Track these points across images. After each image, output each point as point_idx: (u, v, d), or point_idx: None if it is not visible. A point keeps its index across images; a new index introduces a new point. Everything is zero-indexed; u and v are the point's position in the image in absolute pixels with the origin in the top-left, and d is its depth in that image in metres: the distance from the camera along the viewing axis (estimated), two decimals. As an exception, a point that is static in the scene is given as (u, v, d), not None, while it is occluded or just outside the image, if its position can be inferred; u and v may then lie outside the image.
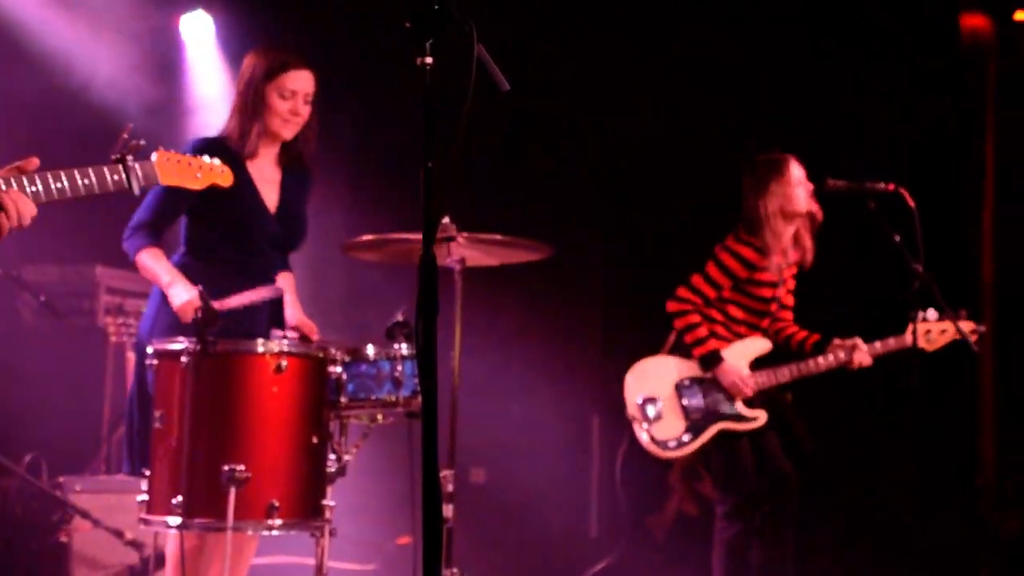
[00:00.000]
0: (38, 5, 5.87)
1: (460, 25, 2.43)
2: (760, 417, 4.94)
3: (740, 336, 5.02)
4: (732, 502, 4.91)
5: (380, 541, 5.99)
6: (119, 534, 4.73)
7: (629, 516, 6.09)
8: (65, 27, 5.97)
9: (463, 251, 4.31)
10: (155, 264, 3.93)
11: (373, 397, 3.91)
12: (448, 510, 4.09)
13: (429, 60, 2.43)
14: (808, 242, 5.06)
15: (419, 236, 2.38)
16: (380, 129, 6.73)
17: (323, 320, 4.31)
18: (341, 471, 3.93)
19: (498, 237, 4.27)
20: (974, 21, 6.50)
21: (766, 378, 4.96)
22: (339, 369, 3.88)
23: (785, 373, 4.98)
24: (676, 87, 6.65)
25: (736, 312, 5.03)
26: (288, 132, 4.10)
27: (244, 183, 4.04)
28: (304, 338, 4.10)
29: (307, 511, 3.75)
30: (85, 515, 4.75)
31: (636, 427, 4.94)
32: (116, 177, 2.93)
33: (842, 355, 4.97)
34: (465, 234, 4.21)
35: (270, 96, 4.04)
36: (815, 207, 5.01)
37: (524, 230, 4.42)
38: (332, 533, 3.81)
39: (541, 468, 6.63)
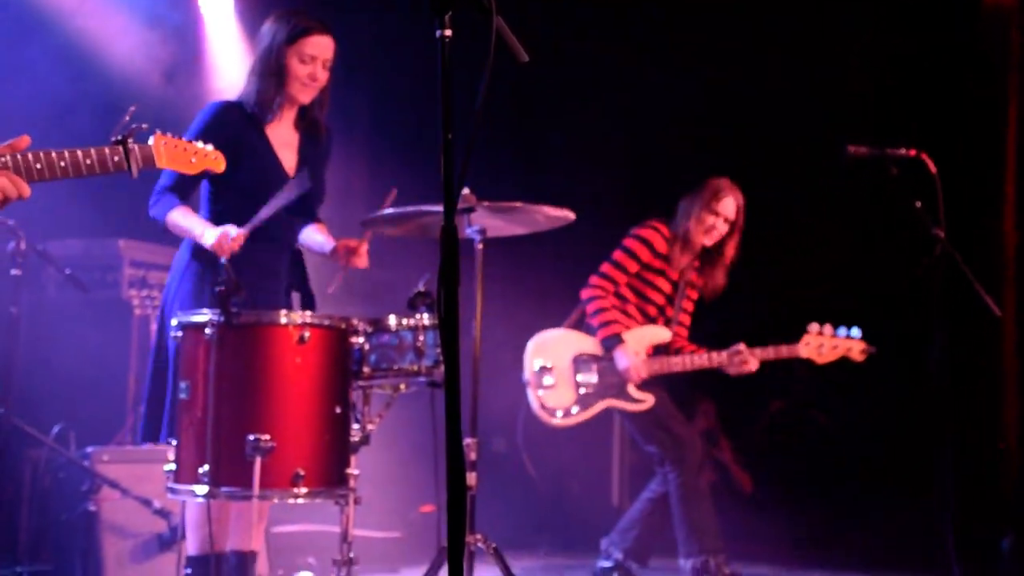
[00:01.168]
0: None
1: (479, -4, 2.43)
2: (647, 400, 5.18)
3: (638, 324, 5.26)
4: (670, 457, 5.15)
5: (404, 509, 6.04)
6: (147, 503, 4.79)
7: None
8: (82, 3, 5.98)
9: (484, 221, 4.32)
10: (186, 219, 3.98)
11: (396, 367, 3.94)
12: (471, 478, 4.13)
13: (448, 32, 2.43)
14: (718, 275, 5.31)
15: (439, 209, 2.40)
16: (400, 102, 6.73)
17: (346, 292, 4.34)
18: (365, 440, 3.97)
19: (518, 204, 4.28)
20: (996, -11, 6.44)
21: (659, 365, 5.18)
22: (361, 339, 3.92)
23: (677, 363, 5.19)
24: (704, 53, 6.63)
25: (633, 299, 5.27)
26: (306, 96, 4.14)
27: (262, 146, 4.10)
28: (349, 252, 4.15)
29: (332, 480, 3.79)
30: (113, 485, 4.81)
31: (530, 392, 5.23)
32: (116, 159, 3.06)
33: (725, 356, 5.14)
34: (485, 203, 4.22)
35: (290, 61, 4.08)
36: (727, 246, 5.27)
37: (547, 198, 4.42)
38: (357, 501, 3.86)
39: (563, 437, 6.66)
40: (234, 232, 3.82)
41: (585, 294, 5.26)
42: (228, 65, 6.55)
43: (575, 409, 5.18)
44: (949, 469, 5.16)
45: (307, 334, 3.76)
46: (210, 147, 3.56)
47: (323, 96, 4.20)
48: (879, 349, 5.26)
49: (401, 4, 6.32)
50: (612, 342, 5.15)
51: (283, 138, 4.18)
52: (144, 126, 3.11)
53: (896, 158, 4.94)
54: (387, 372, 3.95)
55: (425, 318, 3.95)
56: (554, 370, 5.20)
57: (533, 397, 5.22)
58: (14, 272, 4.96)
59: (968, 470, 6.01)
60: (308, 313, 3.85)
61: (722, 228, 5.22)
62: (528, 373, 5.24)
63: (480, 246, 4.31)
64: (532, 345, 5.27)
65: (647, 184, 6.96)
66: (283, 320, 3.77)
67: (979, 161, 6.31)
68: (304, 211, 4.27)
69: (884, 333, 5.48)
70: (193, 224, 3.97)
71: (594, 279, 5.25)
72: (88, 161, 2.99)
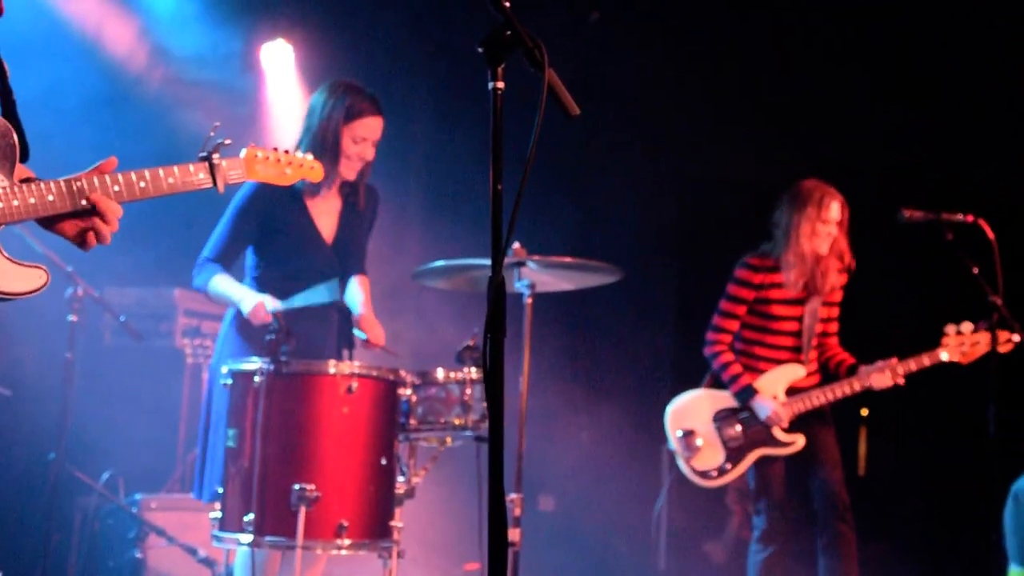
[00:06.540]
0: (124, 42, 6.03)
1: (532, 50, 2.44)
2: (798, 441, 5.02)
3: (773, 362, 5.09)
4: (764, 526, 4.99)
5: (448, 565, 5.99)
6: (192, 551, 4.80)
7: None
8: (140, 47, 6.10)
9: (533, 275, 4.33)
10: (227, 284, 4.06)
11: (442, 420, 3.94)
12: (515, 534, 4.09)
13: (500, 84, 2.44)
14: (836, 276, 5.11)
15: (487, 262, 2.39)
16: (454, 157, 6.79)
17: (392, 342, 4.36)
18: (410, 493, 3.96)
19: (568, 260, 4.29)
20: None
21: (801, 404, 5.02)
22: (409, 391, 3.92)
23: (819, 397, 5.03)
24: (752, 116, 6.63)
25: (758, 336, 5.10)
26: (352, 173, 4.23)
27: (301, 216, 4.18)
28: (366, 340, 4.18)
29: (375, 532, 3.78)
30: (160, 532, 4.83)
31: (679, 460, 5.12)
32: (202, 175, 2.90)
33: (866, 378, 4.99)
34: (535, 257, 4.24)
35: (344, 140, 4.15)
36: (843, 251, 5.08)
37: (596, 254, 4.42)
38: (400, 555, 3.84)
39: (610, 496, 6.60)
40: (270, 305, 3.86)
41: (706, 352, 5.15)
42: (288, 123, 6.63)
43: (728, 466, 5.06)
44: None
45: (355, 384, 3.77)
46: (309, 156, 3.37)
47: (366, 167, 4.27)
48: (933, 417, 5.16)
49: (458, 58, 6.39)
50: (746, 395, 5.02)
51: (323, 206, 4.25)
52: (228, 141, 2.94)
53: (952, 223, 4.89)
54: (434, 425, 3.95)
55: (473, 372, 3.95)
56: (697, 433, 5.08)
57: (683, 464, 5.11)
58: (71, 318, 5.03)
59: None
60: (357, 363, 3.86)
61: (835, 232, 5.07)
62: (673, 442, 5.13)
63: (529, 300, 4.32)
64: (670, 413, 5.15)
65: (697, 244, 6.94)
66: (332, 370, 3.79)
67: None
68: (342, 276, 4.32)
69: (940, 400, 5.37)
70: (234, 289, 4.05)
71: (709, 335, 5.12)
72: (170, 180, 2.81)
